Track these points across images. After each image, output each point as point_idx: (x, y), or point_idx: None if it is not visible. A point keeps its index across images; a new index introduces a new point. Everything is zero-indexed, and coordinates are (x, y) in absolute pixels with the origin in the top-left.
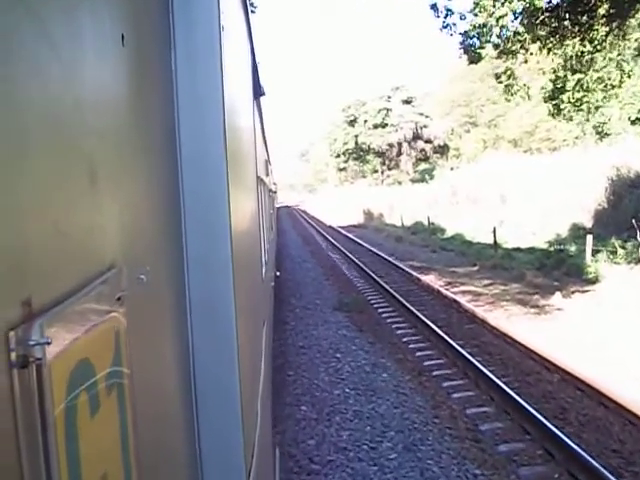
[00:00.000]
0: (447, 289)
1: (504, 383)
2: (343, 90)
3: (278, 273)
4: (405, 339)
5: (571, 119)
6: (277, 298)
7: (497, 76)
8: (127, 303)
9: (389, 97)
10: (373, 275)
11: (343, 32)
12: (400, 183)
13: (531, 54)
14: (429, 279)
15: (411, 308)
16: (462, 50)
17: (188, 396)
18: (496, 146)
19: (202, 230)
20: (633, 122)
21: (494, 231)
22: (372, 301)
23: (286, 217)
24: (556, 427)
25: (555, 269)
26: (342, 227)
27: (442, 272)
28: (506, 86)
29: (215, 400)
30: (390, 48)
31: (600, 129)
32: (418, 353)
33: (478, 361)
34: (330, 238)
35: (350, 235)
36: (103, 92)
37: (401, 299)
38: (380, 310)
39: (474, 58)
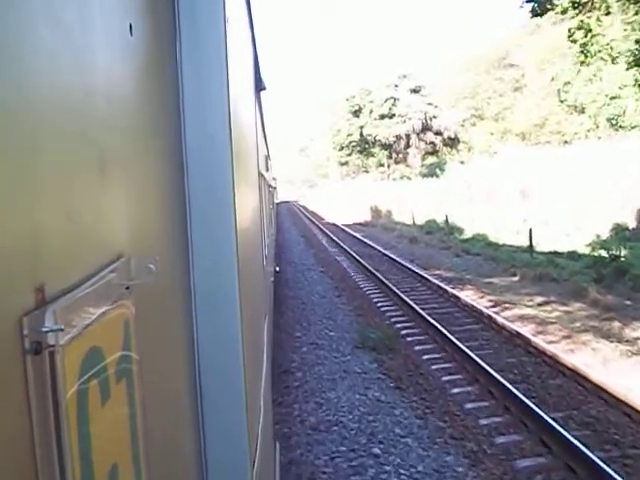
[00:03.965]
0: (497, 313)
1: None
2: (346, 80)
3: (277, 268)
4: (469, 406)
5: None
6: (279, 328)
7: (569, 34)
8: (135, 292)
9: (396, 86)
10: (396, 290)
11: (343, 19)
12: (410, 178)
13: (608, 7)
14: (467, 296)
15: (461, 347)
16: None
17: (193, 388)
18: (504, 139)
19: (207, 223)
20: None
21: (530, 233)
22: (403, 332)
23: (286, 213)
24: None
25: (616, 282)
26: (347, 225)
27: (478, 285)
28: (582, 46)
29: (220, 393)
30: (396, 34)
31: (614, 121)
32: (499, 439)
33: (602, 460)
34: (336, 239)
35: (358, 235)
36: (112, 81)
37: (443, 330)
38: (418, 348)
39: (540, 9)
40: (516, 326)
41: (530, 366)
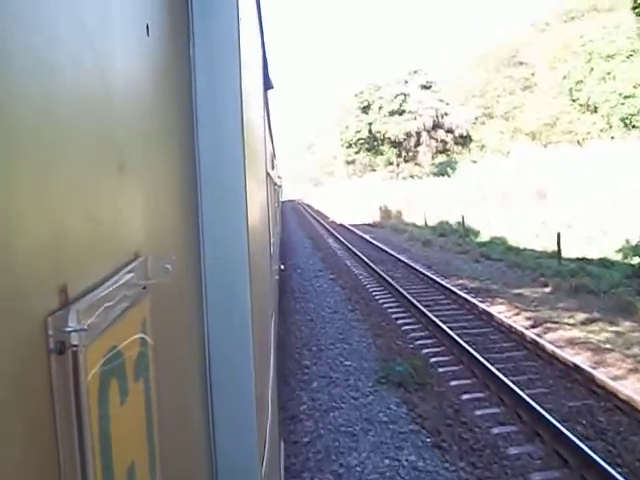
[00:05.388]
0: (540, 335)
1: None
2: (355, 75)
3: (282, 267)
4: (536, 479)
5: None
6: (284, 352)
7: (635, 5)
8: (152, 292)
9: (406, 82)
10: (417, 304)
11: (351, 14)
12: (420, 177)
13: None
14: (500, 312)
15: (508, 383)
16: None
17: (204, 386)
18: (514, 139)
19: (219, 222)
20: None
21: (558, 238)
22: (433, 359)
23: (291, 212)
24: None
25: None
26: (355, 226)
27: (508, 297)
28: None
29: (230, 392)
30: (405, 30)
31: (628, 121)
32: None
33: None
34: (344, 241)
35: (367, 237)
36: (130, 81)
37: (481, 359)
38: (454, 384)
39: None
40: (568, 354)
41: (601, 414)
